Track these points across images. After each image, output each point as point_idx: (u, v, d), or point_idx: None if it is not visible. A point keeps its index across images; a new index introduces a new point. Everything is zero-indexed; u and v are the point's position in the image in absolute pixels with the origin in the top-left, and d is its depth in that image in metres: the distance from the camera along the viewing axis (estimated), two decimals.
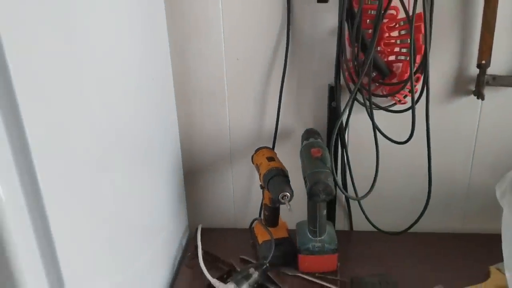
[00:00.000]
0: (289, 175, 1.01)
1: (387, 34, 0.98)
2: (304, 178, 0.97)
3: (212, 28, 1.06)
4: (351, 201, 1.19)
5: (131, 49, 0.83)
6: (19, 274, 0.49)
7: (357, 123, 1.10)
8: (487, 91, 1.03)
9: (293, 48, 1.07)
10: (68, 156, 0.58)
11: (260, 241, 1.09)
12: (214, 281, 0.97)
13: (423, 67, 0.95)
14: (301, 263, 1.04)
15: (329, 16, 1.03)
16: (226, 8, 1.05)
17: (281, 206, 1.08)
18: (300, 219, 1.08)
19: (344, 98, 1.06)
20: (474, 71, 1.04)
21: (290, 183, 0.98)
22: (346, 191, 1.13)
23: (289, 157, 1.09)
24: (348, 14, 0.94)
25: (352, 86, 1.00)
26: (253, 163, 1.11)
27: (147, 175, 0.92)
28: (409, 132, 0.96)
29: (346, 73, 1.00)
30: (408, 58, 0.96)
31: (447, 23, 1.02)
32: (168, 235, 1.08)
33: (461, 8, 1.01)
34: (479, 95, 1.03)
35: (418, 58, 0.96)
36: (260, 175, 1.03)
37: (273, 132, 1.14)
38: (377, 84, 1.02)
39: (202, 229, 1.17)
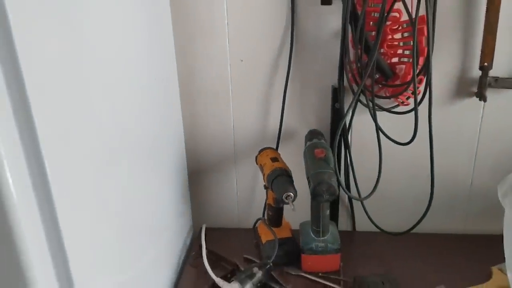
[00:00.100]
0: (293, 175, 1.02)
1: (390, 36, 0.98)
2: (308, 178, 0.98)
3: (217, 30, 1.07)
4: (354, 201, 1.20)
5: (136, 49, 0.84)
6: (30, 273, 0.50)
7: (360, 124, 1.10)
8: (489, 93, 1.04)
9: (297, 50, 1.08)
10: (74, 156, 0.59)
11: (263, 241, 1.10)
12: (218, 280, 0.98)
13: (426, 69, 0.96)
14: (304, 263, 1.05)
15: (333, 18, 1.04)
16: (231, 10, 1.06)
17: (285, 206, 1.09)
18: (303, 219, 1.09)
19: (348, 100, 1.07)
20: (477, 73, 1.04)
21: (294, 183, 0.99)
22: (349, 191, 1.14)
23: (293, 157, 1.10)
24: (351, 17, 0.95)
25: (355, 88, 1.00)
26: (257, 163, 1.12)
27: (152, 175, 0.93)
28: (412, 133, 0.97)
29: (350, 75, 1.01)
30: (411, 60, 0.97)
31: (450, 25, 1.02)
32: (173, 234, 1.09)
33: (463, 10, 1.01)
34: (481, 97, 1.04)
35: (421, 60, 0.97)
36: (264, 175, 1.04)
37: (277, 132, 1.15)
38: (380, 86, 1.03)
39: (206, 229, 1.18)
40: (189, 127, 1.17)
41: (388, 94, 1.03)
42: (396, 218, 1.17)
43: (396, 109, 1.04)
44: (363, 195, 1.09)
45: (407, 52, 0.99)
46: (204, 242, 1.11)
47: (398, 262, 1.08)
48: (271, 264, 1.00)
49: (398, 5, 0.93)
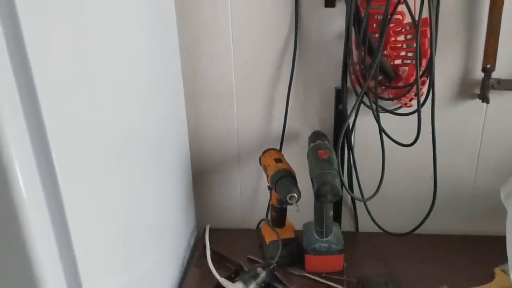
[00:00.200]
0: (296, 176, 1.02)
1: (393, 38, 0.99)
2: (311, 179, 0.98)
3: (221, 31, 1.08)
4: (357, 202, 1.20)
5: (141, 50, 0.84)
6: (40, 274, 0.51)
7: (364, 125, 1.11)
8: (492, 95, 1.05)
9: (300, 51, 1.08)
10: (81, 156, 0.60)
11: (267, 242, 1.10)
12: (222, 280, 0.99)
13: (429, 71, 0.96)
14: (307, 263, 1.05)
15: (336, 20, 1.05)
16: (235, 12, 1.06)
17: (288, 207, 1.10)
18: (306, 220, 1.09)
19: (351, 101, 1.07)
20: (479, 75, 1.05)
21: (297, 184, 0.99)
22: (352, 192, 1.14)
23: (296, 158, 1.11)
24: (355, 19, 0.95)
25: (358, 89, 1.01)
26: (260, 164, 1.13)
27: (156, 175, 0.94)
28: (415, 135, 0.98)
29: (353, 76, 1.01)
30: (414, 62, 0.97)
31: (453, 27, 1.03)
32: (177, 234, 1.09)
33: (466, 12, 1.02)
34: (484, 98, 1.04)
35: (424, 62, 0.97)
36: (267, 176, 1.05)
37: (281, 134, 1.15)
38: (383, 87, 1.04)
39: (209, 229, 1.19)
40: (193, 127, 1.18)
41: (391, 96, 1.04)
42: (398, 219, 1.17)
43: (399, 111, 1.05)
44: (366, 196, 1.10)
45: (410, 54, 0.99)
46: (208, 242, 1.12)
47: (401, 262, 1.08)
48: (275, 264, 1.00)
49: (401, 8, 0.94)
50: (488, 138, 1.11)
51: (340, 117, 1.09)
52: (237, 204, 1.26)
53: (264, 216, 1.21)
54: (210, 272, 1.02)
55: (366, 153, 1.13)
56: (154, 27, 0.93)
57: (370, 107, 1.01)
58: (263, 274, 0.97)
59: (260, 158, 1.13)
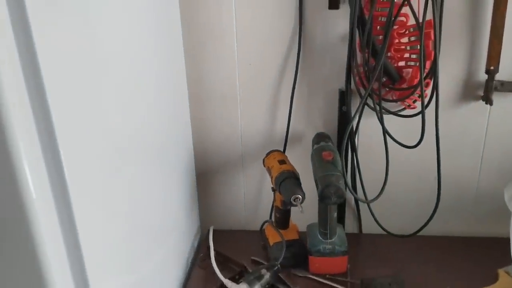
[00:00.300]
0: (300, 178, 1.02)
1: (397, 40, 0.99)
2: (316, 181, 0.99)
3: (225, 34, 1.09)
4: (360, 203, 1.21)
5: (146, 52, 0.85)
6: (49, 273, 0.51)
7: (367, 127, 1.11)
8: (496, 97, 1.05)
9: (304, 54, 1.09)
10: (88, 157, 0.60)
11: (271, 243, 1.10)
12: (226, 281, 0.99)
13: (433, 73, 0.96)
14: (311, 265, 1.06)
15: (340, 22, 1.05)
16: (239, 14, 1.07)
17: (292, 209, 1.10)
18: (309, 222, 1.10)
19: (354, 103, 1.08)
20: (483, 76, 1.05)
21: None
22: (356, 194, 1.14)
23: (300, 160, 1.11)
24: (359, 21, 0.96)
25: (362, 91, 1.01)
26: (264, 166, 1.13)
27: (160, 176, 0.94)
28: (418, 136, 0.98)
29: (357, 78, 1.01)
30: (417, 64, 0.97)
31: (456, 29, 1.03)
32: (181, 235, 1.10)
33: (469, 14, 1.02)
34: (488, 100, 1.04)
35: (428, 64, 0.98)
36: (272, 178, 1.05)
37: (284, 135, 1.16)
38: (387, 89, 1.04)
39: (213, 231, 1.19)
40: (197, 129, 1.18)
41: (395, 98, 1.04)
42: (402, 221, 1.18)
43: (402, 112, 1.05)
44: (369, 197, 1.10)
45: (413, 56, 1.00)
46: (212, 243, 1.12)
47: (405, 264, 1.08)
48: (279, 265, 1.00)
49: (405, 10, 0.94)
50: (492, 140, 1.11)
51: (344, 118, 1.10)
52: (241, 205, 1.26)
53: (267, 218, 1.21)
54: (214, 273, 1.02)
55: (370, 155, 1.14)
56: (159, 30, 0.93)
57: (374, 109, 1.02)
58: (267, 276, 0.98)
59: (264, 160, 1.13)
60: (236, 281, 0.99)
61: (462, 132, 1.11)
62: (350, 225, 1.24)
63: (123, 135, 0.73)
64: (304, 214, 0.97)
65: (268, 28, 1.07)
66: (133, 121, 0.77)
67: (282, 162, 1.06)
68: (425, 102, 0.98)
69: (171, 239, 1.02)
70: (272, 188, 1.08)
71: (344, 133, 1.01)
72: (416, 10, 0.93)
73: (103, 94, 0.65)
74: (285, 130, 1.15)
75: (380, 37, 0.97)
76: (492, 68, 1.02)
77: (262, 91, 1.13)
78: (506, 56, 1.02)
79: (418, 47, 0.94)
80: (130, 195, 0.76)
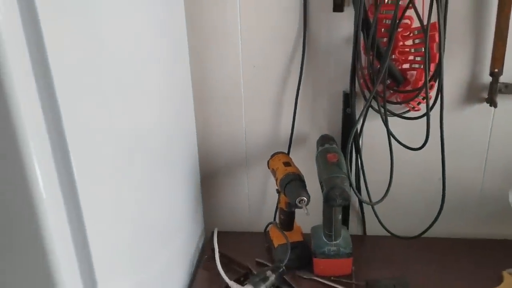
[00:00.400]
0: (304, 180, 1.03)
1: (401, 43, 1.00)
2: (321, 183, 0.99)
3: (230, 35, 1.09)
4: (364, 205, 1.21)
5: (152, 53, 0.85)
6: (57, 272, 0.52)
7: (371, 129, 1.11)
8: (500, 99, 1.05)
9: (309, 56, 1.09)
10: (96, 157, 0.61)
11: (275, 245, 1.11)
12: (231, 283, 0.99)
13: (437, 75, 0.97)
14: (316, 267, 1.06)
15: (345, 25, 1.06)
16: (244, 15, 1.07)
17: (296, 210, 1.10)
18: (313, 224, 1.10)
19: (359, 105, 1.08)
20: (487, 79, 1.05)
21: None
22: (360, 195, 1.15)
23: (304, 162, 1.11)
24: (363, 23, 0.96)
25: (367, 93, 1.02)
26: (269, 167, 1.13)
27: (165, 177, 0.94)
28: (422, 138, 0.98)
29: (361, 81, 1.02)
30: (422, 66, 0.98)
31: (460, 31, 1.03)
32: (185, 237, 1.10)
33: (474, 16, 1.02)
34: (492, 102, 1.05)
35: (432, 66, 0.98)
36: (276, 179, 1.06)
37: (289, 137, 1.16)
38: (392, 92, 1.04)
39: (217, 232, 1.19)
40: (202, 130, 1.18)
41: (399, 100, 1.04)
42: (406, 222, 1.18)
43: (407, 114, 1.05)
44: (373, 199, 1.10)
45: (418, 59, 1.00)
46: (216, 245, 1.12)
47: (409, 266, 1.08)
48: (284, 267, 1.01)
49: (410, 12, 0.95)
50: (496, 142, 1.11)
51: (348, 120, 1.10)
52: (245, 207, 1.26)
53: (272, 219, 1.22)
54: (219, 275, 1.03)
55: (374, 157, 1.14)
56: (164, 30, 0.94)
57: (378, 111, 1.02)
58: (272, 278, 0.98)
59: (268, 162, 1.13)
60: (241, 283, 1.00)
61: (467, 134, 1.12)
62: (354, 227, 1.25)
63: (130, 135, 0.73)
64: (309, 216, 0.97)
65: (273, 29, 1.08)
66: (140, 121, 0.78)
67: (287, 164, 1.07)
68: (430, 104, 0.98)
69: (176, 240, 1.02)
70: (277, 189, 1.08)
71: (348, 135, 1.02)
72: (420, 13, 0.94)
73: (110, 95, 0.66)
74: (290, 131, 1.15)
75: (385, 39, 0.98)
76: (496, 70, 1.02)
77: (267, 93, 1.14)
78: (510, 58, 1.02)
79: (423, 50, 0.95)
80: (137, 195, 0.77)
